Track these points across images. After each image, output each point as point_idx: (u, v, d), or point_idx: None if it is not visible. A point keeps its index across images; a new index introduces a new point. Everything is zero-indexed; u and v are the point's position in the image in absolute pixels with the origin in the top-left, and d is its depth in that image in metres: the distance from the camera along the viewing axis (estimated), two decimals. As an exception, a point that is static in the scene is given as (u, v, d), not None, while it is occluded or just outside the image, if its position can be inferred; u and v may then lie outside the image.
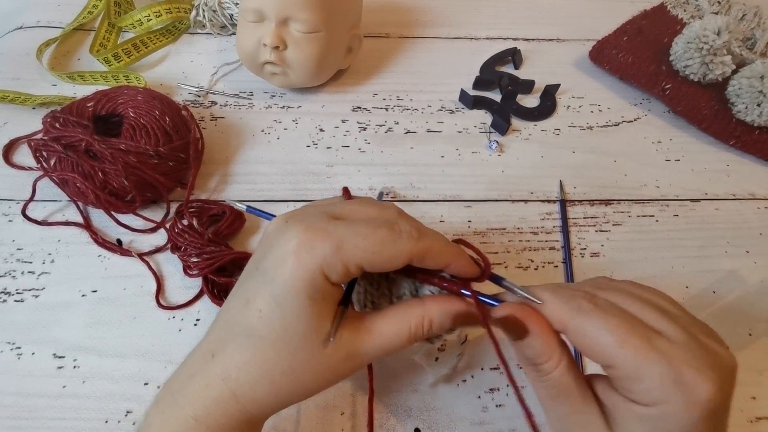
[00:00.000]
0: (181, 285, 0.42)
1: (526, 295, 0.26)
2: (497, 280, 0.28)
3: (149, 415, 0.26)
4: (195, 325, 0.40)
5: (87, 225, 0.44)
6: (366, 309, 0.30)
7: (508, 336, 0.27)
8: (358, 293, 0.30)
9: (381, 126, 0.55)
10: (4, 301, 0.40)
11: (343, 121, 0.55)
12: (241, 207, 0.35)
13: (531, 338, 0.25)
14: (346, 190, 0.33)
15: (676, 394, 0.21)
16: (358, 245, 0.24)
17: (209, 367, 0.25)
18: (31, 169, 0.47)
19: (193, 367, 0.26)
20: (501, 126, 0.54)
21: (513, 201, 0.49)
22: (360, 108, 0.56)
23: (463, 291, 0.27)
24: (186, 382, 0.26)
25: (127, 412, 0.36)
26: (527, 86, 0.58)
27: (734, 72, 0.55)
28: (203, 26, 0.63)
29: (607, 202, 0.49)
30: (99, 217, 0.45)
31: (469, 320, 0.28)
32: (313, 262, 0.24)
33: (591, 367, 0.39)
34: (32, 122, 0.51)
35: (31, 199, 0.46)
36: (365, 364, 0.27)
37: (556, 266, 0.45)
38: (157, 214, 0.46)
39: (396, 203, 0.48)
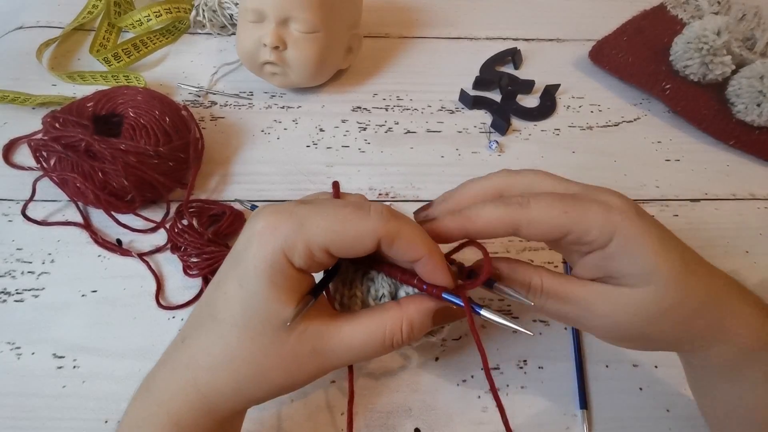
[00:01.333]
0: (181, 285, 0.42)
1: (519, 297, 0.27)
2: (488, 284, 0.28)
3: (129, 403, 0.26)
4: (195, 325, 0.40)
5: (87, 225, 0.44)
6: (336, 308, 0.29)
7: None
8: (333, 290, 0.29)
9: (381, 126, 0.55)
10: (4, 301, 0.40)
11: (343, 121, 0.55)
12: (247, 206, 0.35)
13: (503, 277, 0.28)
14: (336, 185, 0.31)
15: (611, 218, 0.25)
16: (320, 224, 0.23)
17: (178, 352, 0.25)
18: (30, 169, 0.47)
19: (166, 353, 0.26)
20: (501, 126, 0.54)
21: (513, 201, 0.49)
22: (360, 108, 0.56)
23: (445, 295, 0.26)
24: (157, 368, 0.26)
25: (127, 412, 0.36)
26: (527, 86, 0.58)
27: (734, 72, 0.55)
28: (203, 26, 0.63)
29: (607, 202, 0.49)
30: (99, 217, 0.45)
31: (451, 317, 0.28)
32: (275, 243, 0.23)
33: (588, 341, 0.39)
34: (32, 122, 0.51)
35: (31, 199, 0.46)
36: (335, 366, 0.26)
37: (556, 266, 0.45)
38: (157, 214, 0.46)
39: (396, 203, 0.48)
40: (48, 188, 0.46)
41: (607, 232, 0.25)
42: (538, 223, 0.26)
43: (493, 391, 0.28)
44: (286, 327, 0.24)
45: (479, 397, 0.37)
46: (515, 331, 0.26)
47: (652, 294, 0.25)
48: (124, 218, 0.44)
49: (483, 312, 0.26)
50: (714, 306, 0.27)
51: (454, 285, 0.26)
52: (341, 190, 0.30)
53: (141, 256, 0.43)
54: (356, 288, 0.29)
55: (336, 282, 0.29)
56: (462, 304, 0.26)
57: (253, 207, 0.34)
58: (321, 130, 0.54)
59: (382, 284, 0.28)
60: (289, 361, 0.24)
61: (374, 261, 0.28)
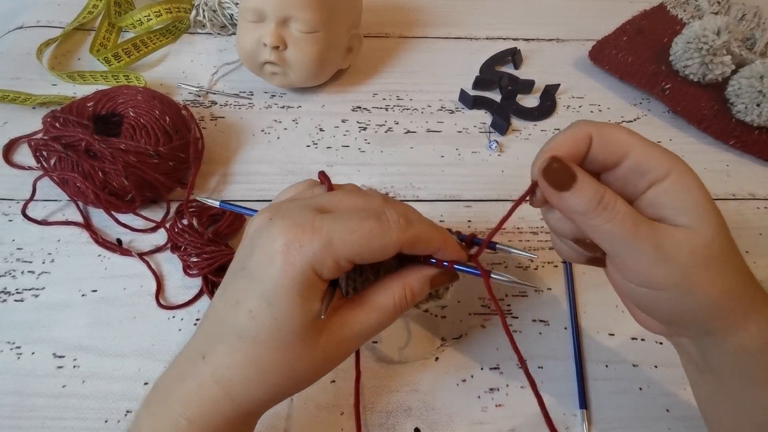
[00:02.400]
0: (181, 285, 0.42)
1: (521, 253, 0.30)
2: (491, 246, 0.30)
3: (139, 417, 0.26)
4: (195, 324, 0.40)
5: (87, 225, 0.44)
6: (346, 294, 0.30)
7: (551, 194, 0.27)
8: (341, 280, 0.30)
9: (381, 126, 0.55)
10: (4, 300, 0.40)
11: (343, 121, 0.55)
12: (214, 203, 0.35)
13: (580, 182, 0.26)
14: (323, 175, 0.31)
15: (676, 158, 0.26)
16: (347, 240, 0.24)
17: (200, 369, 0.25)
18: (31, 168, 0.47)
19: (183, 369, 0.26)
20: (501, 126, 0.54)
21: (513, 201, 0.49)
22: (360, 108, 0.56)
23: (458, 267, 0.28)
24: (176, 384, 0.26)
25: (127, 411, 0.36)
26: (527, 86, 0.58)
27: (734, 72, 0.55)
28: (203, 26, 0.63)
29: (606, 202, 0.49)
30: (99, 217, 0.45)
31: (445, 280, 0.29)
32: (303, 260, 0.24)
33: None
34: (32, 122, 0.51)
35: (31, 198, 0.46)
36: (356, 348, 0.28)
37: (556, 266, 0.45)
38: (157, 213, 0.46)
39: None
40: (48, 188, 0.46)
41: (666, 162, 0.26)
42: (608, 132, 0.27)
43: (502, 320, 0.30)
44: (319, 328, 0.25)
45: (479, 396, 0.37)
46: (521, 284, 0.29)
47: (705, 237, 0.25)
48: (124, 218, 0.44)
49: (493, 275, 0.29)
50: (752, 281, 0.26)
51: (467, 258, 0.29)
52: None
53: (141, 255, 0.43)
54: (367, 272, 0.30)
55: (350, 274, 0.30)
56: (476, 272, 0.28)
57: (222, 204, 0.35)
58: (321, 129, 0.54)
59: (389, 261, 0.29)
60: (319, 359, 0.26)
61: None
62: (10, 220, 0.45)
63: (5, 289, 0.41)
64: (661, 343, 0.40)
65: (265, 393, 0.25)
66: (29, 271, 0.42)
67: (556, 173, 0.26)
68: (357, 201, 0.27)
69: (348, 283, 0.30)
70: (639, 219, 0.26)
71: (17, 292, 0.41)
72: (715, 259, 0.25)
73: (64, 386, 0.37)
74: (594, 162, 0.27)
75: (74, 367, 0.37)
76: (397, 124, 0.55)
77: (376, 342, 0.39)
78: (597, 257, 0.30)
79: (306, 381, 0.27)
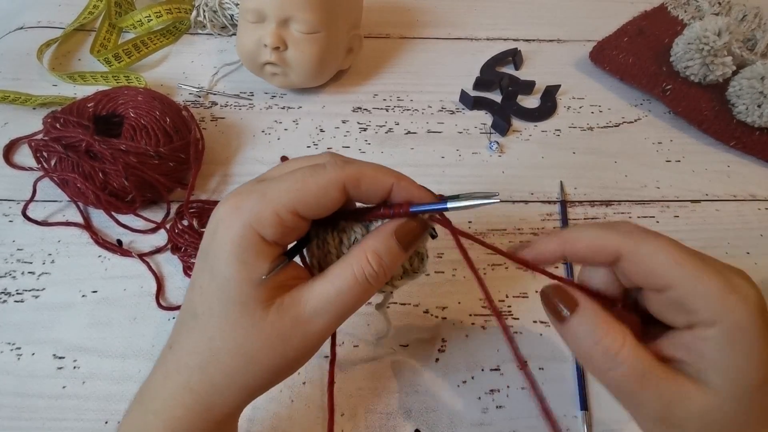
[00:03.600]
0: (182, 285, 0.42)
1: (484, 201, 0.24)
2: (454, 199, 0.25)
3: (123, 417, 0.26)
4: (195, 325, 0.40)
5: (87, 225, 0.44)
6: (315, 274, 0.27)
7: (553, 318, 0.24)
8: (309, 258, 0.28)
9: (381, 126, 0.55)
10: (5, 301, 0.40)
11: (343, 122, 0.55)
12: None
13: (581, 313, 0.23)
14: (284, 159, 0.30)
15: (734, 300, 0.21)
16: (282, 187, 0.23)
17: (167, 359, 0.25)
18: (31, 169, 0.47)
19: (157, 363, 0.26)
20: (501, 127, 0.54)
21: (513, 202, 0.49)
22: (360, 108, 0.56)
23: (413, 209, 0.25)
24: (149, 378, 0.26)
25: (127, 412, 0.36)
26: (528, 87, 0.58)
27: (735, 73, 0.55)
28: (204, 27, 0.63)
29: (607, 203, 0.49)
30: (99, 218, 0.45)
31: (416, 233, 0.25)
32: (240, 221, 0.23)
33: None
34: (33, 122, 0.51)
35: (32, 199, 0.46)
36: (323, 328, 0.24)
37: (557, 267, 0.44)
38: (157, 214, 0.46)
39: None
40: (48, 188, 0.46)
41: (717, 308, 0.21)
42: (645, 256, 0.22)
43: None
44: (266, 301, 0.23)
45: (479, 398, 0.37)
46: (484, 203, 0.24)
47: (731, 412, 0.22)
48: (124, 219, 0.44)
49: (449, 204, 0.25)
50: None
51: (431, 197, 0.25)
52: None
53: (141, 256, 0.43)
54: (328, 245, 0.27)
55: (311, 248, 0.28)
56: (434, 207, 0.25)
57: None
58: (321, 130, 0.54)
59: (353, 230, 0.27)
60: (273, 338, 0.23)
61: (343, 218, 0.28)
62: (10, 221, 0.45)
63: (5, 289, 0.41)
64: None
65: (222, 381, 0.24)
66: (29, 272, 0.42)
67: (552, 304, 0.24)
68: (301, 162, 0.26)
69: (311, 262, 0.28)
70: (648, 373, 0.22)
71: (17, 293, 0.41)
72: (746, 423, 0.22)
73: (64, 387, 0.37)
74: (627, 279, 0.24)
75: (74, 368, 0.37)
76: (398, 124, 0.55)
77: (375, 342, 0.39)
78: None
79: (266, 368, 0.24)
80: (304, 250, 0.28)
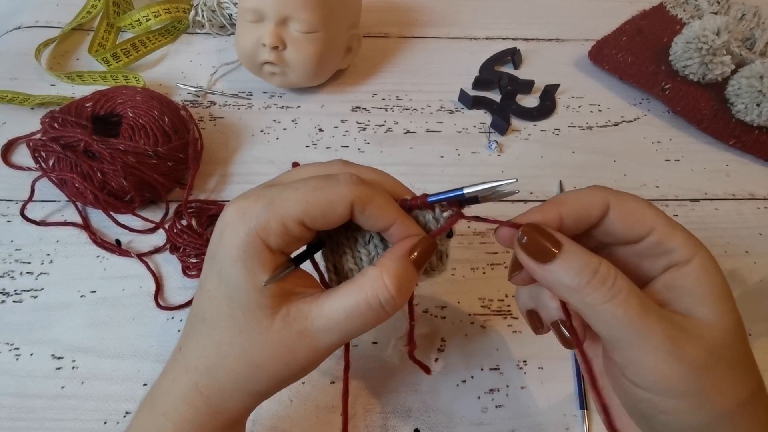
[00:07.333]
0: (180, 285, 0.42)
1: (499, 183, 0.25)
2: (472, 200, 0.26)
3: (132, 417, 0.26)
4: (194, 325, 0.40)
5: (86, 225, 0.44)
6: (330, 282, 0.28)
7: (534, 269, 0.23)
8: (323, 260, 0.28)
9: (380, 126, 0.55)
10: (3, 301, 0.40)
11: (342, 121, 0.55)
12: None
13: (566, 251, 0.22)
14: (296, 165, 0.29)
15: (699, 242, 0.24)
16: (290, 197, 0.23)
17: (177, 361, 0.25)
18: (29, 169, 0.47)
19: (167, 365, 0.26)
20: (500, 126, 0.54)
21: (513, 201, 0.49)
22: (359, 108, 0.56)
23: (430, 199, 0.26)
24: (159, 380, 0.26)
25: (126, 413, 0.35)
26: (527, 86, 0.58)
27: (733, 72, 0.55)
28: (202, 26, 0.63)
29: (606, 202, 0.49)
30: (98, 218, 0.45)
31: (427, 247, 0.25)
32: (246, 227, 0.23)
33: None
34: (31, 122, 0.51)
35: (30, 199, 0.45)
36: (329, 344, 0.24)
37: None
38: (155, 214, 0.45)
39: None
40: (47, 188, 0.45)
41: (692, 245, 0.24)
42: (630, 206, 0.24)
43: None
44: (272, 309, 0.23)
45: (479, 397, 0.37)
46: (500, 184, 0.25)
47: (725, 335, 0.22)
48: (123, 218, 0.44)
49: (465, 190, 0.25)
50: (762, 388, 0.24)
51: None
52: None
53: (140, 256, 0.43)
54: (343, 246, 0.27)
55: (325, 252, 0.28)
56: (451, 195, 0.25)
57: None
58: (320, 130, 0.54)
59: (374, 245, 0.27)
60: (279, 347, 0.23)
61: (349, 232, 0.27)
62: (8, 221, 0.45)
63: (4, 290, 0.41)
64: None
65: (229, 384, 0.24)
66: (28, 272, 0.42)
67: (536, 243, 0.23)
68: (311, 170, 0.26)
69: (327, 267, 0.28)
70: (647, 302, 0.22)
71: (16, 293, 0.41)
72: (734, 361, 0.23)
73: (62, 387, 0.36)
74: (609, 234, 0.25)
75: (73, 368, 0.37)
76: (397, 124, 0.55)
77: (375, 342, 0.39)
78: (568, 340, 0.27)
79: (272, 376, 0.24)
80: (320, 253, 0.28)
